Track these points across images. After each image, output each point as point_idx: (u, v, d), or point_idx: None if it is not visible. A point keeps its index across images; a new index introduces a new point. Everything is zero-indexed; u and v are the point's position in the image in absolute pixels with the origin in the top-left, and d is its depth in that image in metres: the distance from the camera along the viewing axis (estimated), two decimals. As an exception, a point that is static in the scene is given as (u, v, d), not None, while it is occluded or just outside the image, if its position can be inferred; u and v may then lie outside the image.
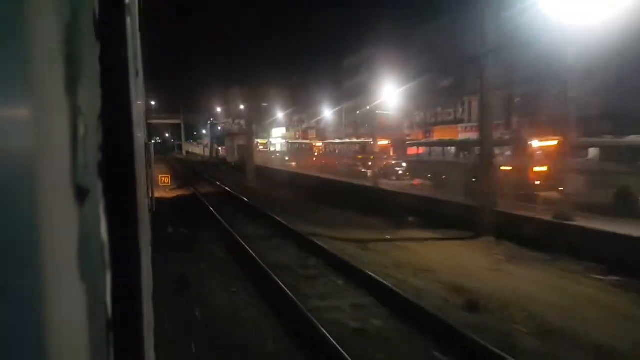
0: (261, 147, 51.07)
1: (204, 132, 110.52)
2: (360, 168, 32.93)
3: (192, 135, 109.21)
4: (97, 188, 0.67)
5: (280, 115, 73.98)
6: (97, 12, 0.70)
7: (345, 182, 24.70)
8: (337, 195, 20.07)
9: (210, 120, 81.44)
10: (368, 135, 48.61)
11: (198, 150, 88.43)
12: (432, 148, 26.69)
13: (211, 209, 16.43)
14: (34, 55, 0.49)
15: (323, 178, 27.66)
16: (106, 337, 0.70)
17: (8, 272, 0.45)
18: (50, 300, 0.49)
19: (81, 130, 0.61)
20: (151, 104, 75.46)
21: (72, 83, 0.58)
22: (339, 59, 58.39)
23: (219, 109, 74.33)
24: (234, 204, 19.08)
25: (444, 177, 24.92)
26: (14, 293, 0.46)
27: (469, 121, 35.69)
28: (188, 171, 41.88)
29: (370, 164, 33.82)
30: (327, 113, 57.25)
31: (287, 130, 75.99)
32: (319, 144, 46.13)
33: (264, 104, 78.03)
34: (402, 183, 27.35)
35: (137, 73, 0.90)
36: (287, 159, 53.59)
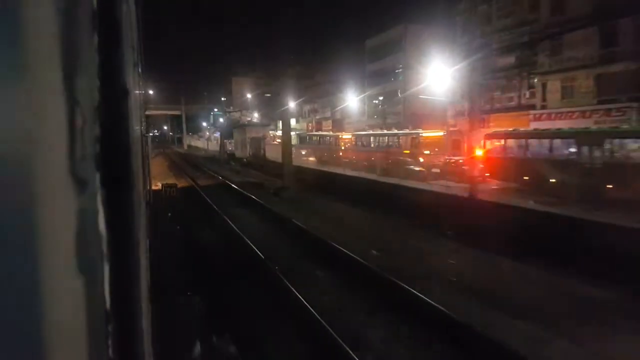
0: (278, 140, 43.45)
1: (204, 124, 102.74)
2: (413, 166, 25.49)
3: (191, 127, 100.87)
4: (94, 179, 0.67)
5: (290, 105, 66.52)
6: (94, 2, 0.70)
7: (424, 190, 17.30)
8: (431, 214, 12.76)
9: (213, 111, 73.68)
10: (399, 126, 41.31)
11: (200, 143, 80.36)
12: (527, 141, 19.38)
13: (260, 255, 8.86)
14: (31, 46, 0.48)
15: (385, 183, 20.28)
16: (104, 328, 0.69)
17: (5, 263, 0.45)
18: (48, 291, 0.49)
19: (78, 121, 0.60)
20: (149, 94, 67.79)
21: (69, 74, 0.58)
22: (361, 40, 50.70)
23: (223, 99, 66.56)
24: (297, 242, 11.44)
25: (552, 180, 17.74)
26: (12, 284, 0.45)
27: (543, 107, 28.25)
28: (197, 170, 34.39)
29: (422, 160, 26.51)
30: (346, 102, 49.80)
31: (297, 121, 68.51)
32: (347, 135, 38.66)
33: (267, 95, 70.70)
34: (485, 188, 19.98)
35: (134, 64, 0.88)
36: (303, 153, 46.19)
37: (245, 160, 41.66)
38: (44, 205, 0.49)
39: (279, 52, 38.97)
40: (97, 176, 0.68)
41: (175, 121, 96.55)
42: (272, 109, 68.46)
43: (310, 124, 62.52)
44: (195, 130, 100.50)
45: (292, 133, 61.90)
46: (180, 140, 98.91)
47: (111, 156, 0.73)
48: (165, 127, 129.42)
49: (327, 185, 21.48)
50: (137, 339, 0.83)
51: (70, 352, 0.55)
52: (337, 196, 18.52)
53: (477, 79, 33.02)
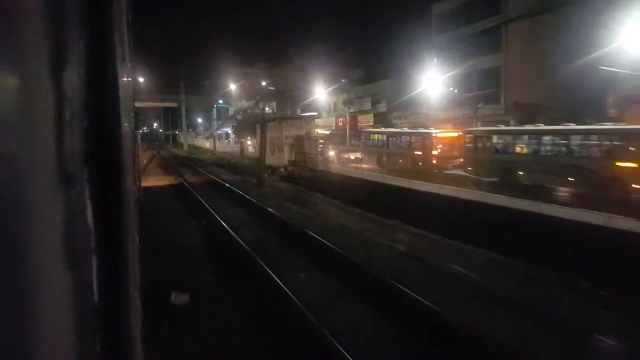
0: (321, 142, 29.27)
1: (200, 120, 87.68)
2: None
3: (178, 124, 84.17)
4: (83, 174, 0.66)
5: (310, 96, 52.12)
6: None
7: None
8: None
9: (216, 104, 58.74)
10: (489, 121, 27.57)
11: (203, 142, 64.79)
12: None
13: None
14: (19, 40, 0.47)
15: None
16: (93, 323, 0.68)
17: None
18: (36, 286, 0.48)
19: (67, 115, 0.59)
20: (139, 82, 52.76)
21: (57, 68, 0.57)
22: (425, 4, 36.57)
23: (232, 86, 51.75)
24: None
25: None
26: (0, 278, 0.43)
27: None
28: (234, 200, 19.98)
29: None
30: (409, 88, 35.79)
31: (320, 116, 54.17)
32: (448, 133, 24.78)
33: (272, 89, 56.09)
34: None
35: (124, 59, 0.87)
36: (352, 157, 32.17)
37: (283, 170, 27.26)
38: (31, 199, 0.47)
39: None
40: (86, 171, 0.66)
41: (169, 115, 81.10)
42: (291, 100, 54.14)
43: (342, 119, 48.19)
44: (190, 126, 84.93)
45: (319, 130, 47.82)
46: (175, 139, 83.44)
47: (100, 151, 0.71)
48: (156, 124, 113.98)
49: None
50: (126, 334, 0.81)
51: (58, 346, 0.54)
52: None
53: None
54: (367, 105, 45.72)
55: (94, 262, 0.68)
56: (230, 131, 56.91)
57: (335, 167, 27.51)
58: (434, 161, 24.15)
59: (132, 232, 0.87)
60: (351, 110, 46.50)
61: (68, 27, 0.61)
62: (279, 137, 28.45)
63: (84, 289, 0.64)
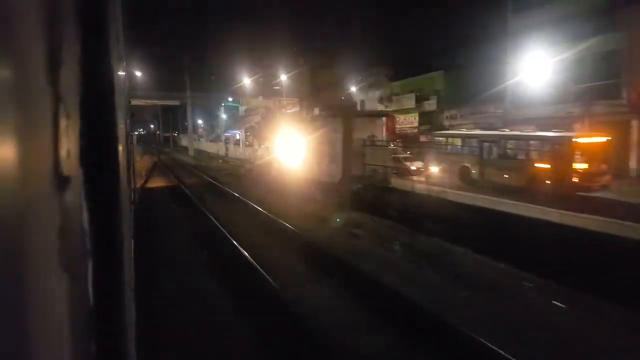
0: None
1: (200, 121, 79.11)
2: None
3: (183, 125, 74.20)
4: (78, 176, 0.65)
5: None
6: None
7: None
8: None
9: (224, 102, 50.24)
10: (620, 120, 19.43)
11: (210, 146, 55.88)
12: None
13: None
14: (15, 41, 0.46)
15: None
16: (87, 325, 0.67)
17: None
18: (31, 288, 0.46)
19: (62, 117, 0.58)
20: (136, 77, 44.35)
21: (53, 69, 0.55)
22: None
23: (246, 80, 43.33)
24: None
25: None
26: None
27: None
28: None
29: None
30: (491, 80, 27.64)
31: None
32: (594, 138, 16.67)
33: (277, 88, 47.86)
34: None
35: (120, 59, 0.77)
36: (413, 168, 24.03)
37: (339, 193, 18.86)
38: (27, 201, 0.46)
39: None
40: (81, 172, 0.65)
41: (169, 115, 72.25)
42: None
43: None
44: (185, 129, 75.76)
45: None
46: (175, 141, 74.54)
47: (96, 153, 0.69)
48: (153, 126, 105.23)
49: None
50: (121, 335, 0.80)
51: (54, 347, 0.53)
52: None
53: None
54: (410, 103, 37.45)
55: (89, 263, 0.66)
56: (239, 133, 48.68)
57: (403, 184, 19.38)
58: (576, 179, 16.04)
59: (127, 234, 0.80)
60: (389, 108, 38.29)
61: (64, 28, 0.59)
62: (326, 141, 20.12)
63: (79, 291, 0.62)
